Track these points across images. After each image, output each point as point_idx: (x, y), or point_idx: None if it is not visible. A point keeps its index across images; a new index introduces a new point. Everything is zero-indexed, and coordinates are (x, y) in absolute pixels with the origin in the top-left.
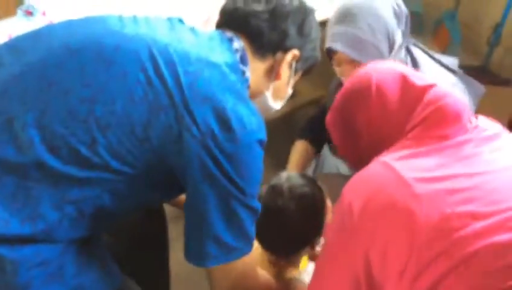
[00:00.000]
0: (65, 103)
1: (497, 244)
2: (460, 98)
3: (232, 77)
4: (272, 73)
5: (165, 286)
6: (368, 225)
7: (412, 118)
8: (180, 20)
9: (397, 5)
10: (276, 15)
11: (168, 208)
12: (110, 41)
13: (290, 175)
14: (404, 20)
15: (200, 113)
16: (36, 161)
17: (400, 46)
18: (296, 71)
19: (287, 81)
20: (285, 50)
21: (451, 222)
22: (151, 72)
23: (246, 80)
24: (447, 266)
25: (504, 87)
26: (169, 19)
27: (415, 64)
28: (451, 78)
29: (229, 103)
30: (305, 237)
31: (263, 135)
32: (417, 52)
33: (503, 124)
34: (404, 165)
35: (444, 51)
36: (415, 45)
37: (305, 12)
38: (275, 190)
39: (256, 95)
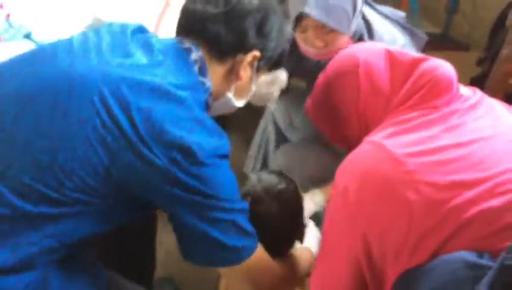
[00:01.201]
0: (27, 155)
1: (489, 209)
2: (450, 68)
3: (188, 101)
4: (233, 74)
5: (150, 270)
6: (365, 208)
7: (402, 91)
8: (138, 30)
9: None
10: (233, 17)
11: None
12: (62, 85)
13: (260, 176)
14: None
15: (159, 147)
16: (9, 207)
17: (360, 11)
18: (259, 69)
19: (249, 80)
20: (245, 52)
21: (444, 192)
22: (105, 116)
23: (207, 90)
24: (443, 235)
25: (464, 52)
26: (123, 31)
27: (370, 29)
28: (401, 38)
29: (186, 133)
30: (292, 233)
31: (225, 149)
32: (369, 14)
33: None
34: (394, 142)
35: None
36: (365, 2)
37: (265, 12)
38: (252, 197)
39: (218, 96)
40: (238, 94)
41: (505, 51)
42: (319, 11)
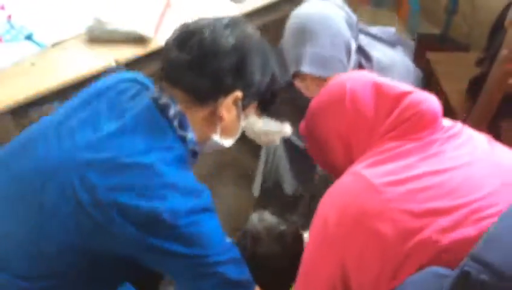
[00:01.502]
0: (20, 250)
1: (464, 238)
2: (435, 101)
3: (156, 167)
4: (216, 117)
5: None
6: (343, 237)
7: (387, 122)
8: (120, 90)
9: (348, 14)
10: (207, 61)
11: None
12: (37, 181)
13: (262, 216)
14: (355, 27)
15: (130, 223)
16: (13, 288)
17: (354, 52)
18: (246, 106)
19: (235, 119)
20: (226, 93)
21: (418, 220)
22: (75, 204)
23: (190, 142)
24: (419, 263)
25: (464, 52)
26: (100, 95)
27: (367, 56)
28: (398, 58)
29: (157, 201)
30: (291, 276)
31: (203, 203)
32: (363, 42)
33: (463, 86)
34: (373, 172)
35: (405, 21)
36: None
37: (242, 52)
38: (252, 236)
39: (205, 140)
40: (225, 134)
41: (504, 52)
42: (315, 67)
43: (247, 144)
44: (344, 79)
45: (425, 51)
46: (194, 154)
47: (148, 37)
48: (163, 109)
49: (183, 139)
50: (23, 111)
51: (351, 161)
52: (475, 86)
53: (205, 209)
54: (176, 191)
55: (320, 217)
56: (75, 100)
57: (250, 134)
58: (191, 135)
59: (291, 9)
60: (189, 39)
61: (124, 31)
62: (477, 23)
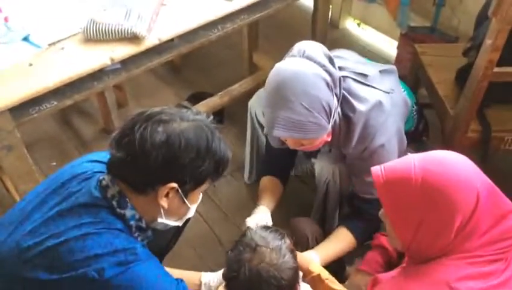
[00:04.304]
0: None
1: None
2: None
3: (79, 244)
4: (156, 204)
5: None
6: None
7: (492, 232)
8: (80, 179)
9: (328, 74)
10: (137, 159)
11: None
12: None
13: (257, 232)
14: (337, 84)
15: None
16: None
17: (336, 110)
18: (191, 190)
19: (178, 205)
20: (163, 185)
21: None
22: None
23: (131, 218)
24: None
25: (453, 44)
26: (56, 183)
27: (352, 109)
28: (380, 97)
29: (81, 271)
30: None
31: (130, 257)
32: (350, 87)
33: (451, 76)
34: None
35: (395, 14)
36: (345, 74)
37: (172, 147)
38: (252, 250)
39: (153, 220)
40: (171, 216)
41: (488, 41)
42: (287, 131)
43: (241, 138)
44: (474, 179)
45: (415, 44)
46: (142, 229)
47: (142, 35)
48: (103, 190)
49: (122, 217)
50: (22, 110)
51: (447, 246)
52: (463, 76)
53: (134, 261)
54: (99, 258)
55: None
56: (42, 185)
57: None
58: (130, 213)
59: (281, 5)
60: (122, 139)
61: (118, 30)
62: (466, 15)
